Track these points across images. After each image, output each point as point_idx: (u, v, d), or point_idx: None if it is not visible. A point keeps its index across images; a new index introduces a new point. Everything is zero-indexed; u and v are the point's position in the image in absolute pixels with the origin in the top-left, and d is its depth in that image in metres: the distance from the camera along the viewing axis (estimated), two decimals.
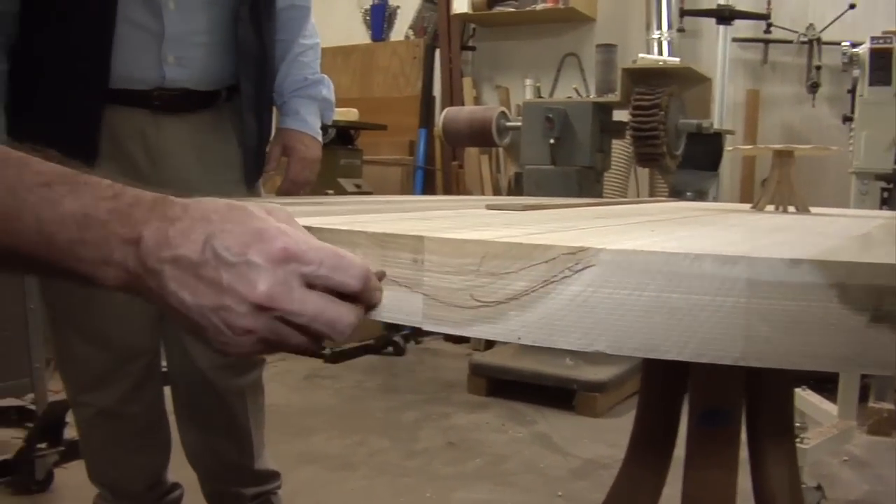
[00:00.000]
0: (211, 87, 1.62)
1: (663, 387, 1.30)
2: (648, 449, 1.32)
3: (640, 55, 3.46)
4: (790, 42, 3.68)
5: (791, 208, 1.45)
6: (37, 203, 0.56)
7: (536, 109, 3.30)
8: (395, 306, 0.64)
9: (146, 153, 1.56)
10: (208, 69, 1.59)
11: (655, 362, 1.27)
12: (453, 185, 4.35)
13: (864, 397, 2.81)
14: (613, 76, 3.36)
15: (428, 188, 4.37)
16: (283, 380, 3.48)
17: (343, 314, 0.58)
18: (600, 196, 3.39)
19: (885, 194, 2.79)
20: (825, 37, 3.59)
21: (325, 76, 1.82)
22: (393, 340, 4.03)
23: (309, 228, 0.68)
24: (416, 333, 4.30)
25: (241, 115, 1.64)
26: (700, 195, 3.39)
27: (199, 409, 1.77)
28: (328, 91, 1.82)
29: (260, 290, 0.55)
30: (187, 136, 1.58)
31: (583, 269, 0.57)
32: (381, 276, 0.62)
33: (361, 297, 0.60)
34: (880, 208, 2.73)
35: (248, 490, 1.86)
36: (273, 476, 1.92)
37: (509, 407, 3.20)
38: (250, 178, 1.68)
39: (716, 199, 3.49)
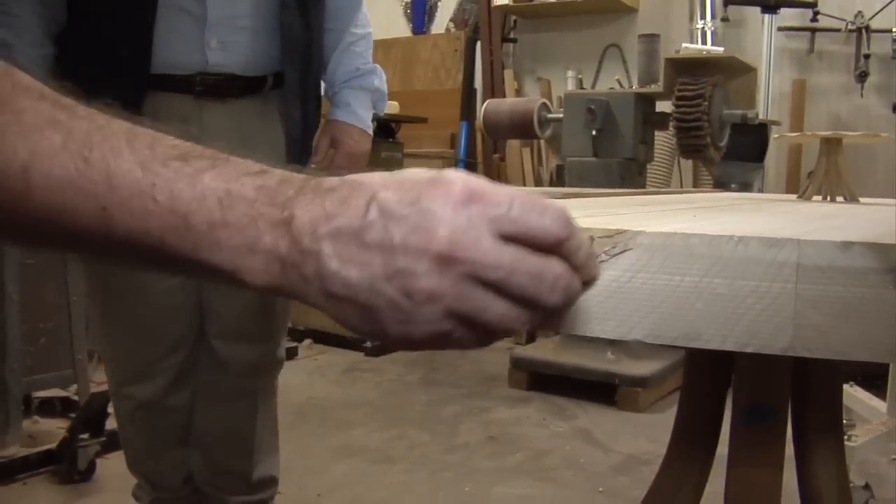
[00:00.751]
0: (256, 72, 1.59)
1: (707, 381, 1.26)
2: (691, 445, 1.28)
3: (684, 45, 3.39)
4: (838, 30, 3.58)
5: (839, 198, 1.41)
6: (172, 178, 0.47)
7: (578, 101, 3.25)
8: None
9: (188, 139, 1.54)
10: (253, 55, 1.57)
11: (699, 355, 1.24)
12: (495, 178, 4.31)
13: None
14: (656, 67, 3.30)
15: None
16: (323, 373, 3.49)
17: (551, 263, 0.46)
18: (643, 188, 3.34)
19: None
20: (874, 24, 3.48)
21: (378, 66, 1.78)
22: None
23: None
24: None
25: (286, 104, 1.61)
26: (745, 187, 3.32)
27: (207, 409, 1.71)
28: (380, 81, 1.78)
29: (441, 237, 0.44)
30: (231, 123, 1.55)
31: (620, 252, 0.55)
32: (591, 239, 0.52)
33: (567, 251, 0.47)
34: None
35: (238, 498, 1.76)
36: (268, 484, 1.81)
37: (550, 401, 3.17)
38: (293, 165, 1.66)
39: (761, 191, 3.41)
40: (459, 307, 0.45)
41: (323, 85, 1.77)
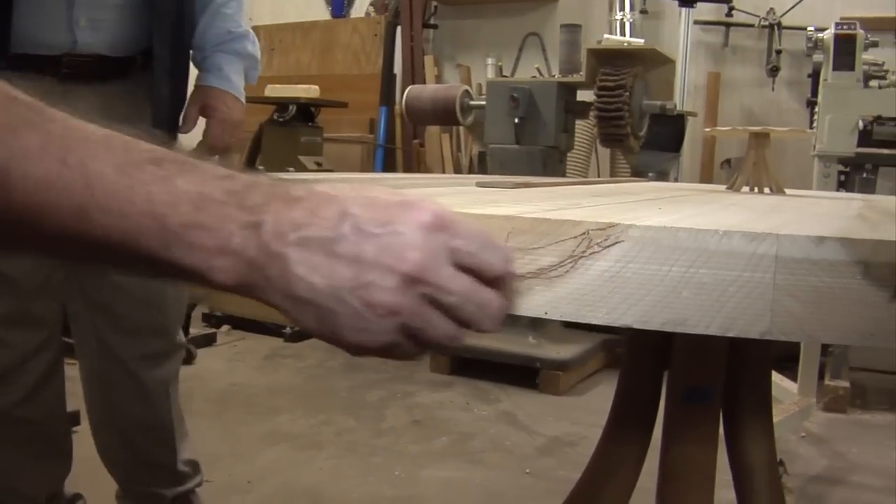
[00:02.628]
0: (124, 52, 1.49)
1: (646, 362, 1.31)
2: (630, 424, 1.33)
3: (606, 36, 3.47)
4: (751, 26, 3.72)
5: (766, 189, 1.48)
6: (147, 181, 0.49)
7: (501, 88, 3.30)
8: None
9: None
10: (122, 33, 1.47)
11: (638, 339, 1.29)
12: (414, 164, 4.33)
13: (819, 376, 2.88)
14: (577, 56, 3.37)
15: (388, 166, 4.35)
16: (244, 360, 3.45)
17: (494, 298, 0.51)
18: (564, 176, 3.41)
19: (842, 177, 2.85)
20: (785, 21, 3.64)
21: (251, 31, 1.68)
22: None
23: None
24: None
25: (154, 83, 1.52)
26: (662, 176, 3.43)
27: (118, 405, 1.67)
28: (254, 47, 1.68)
29: (412, 259, 0.48)
30: (98, 109, 1.45)
31: (612, 244, 0.57)
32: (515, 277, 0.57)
33: (503, 286, 0.53)
34: (837, 190, 2.79)
35: (169, 491, 1.74)
36: (194, 471, 1.80)
37: (473, 385, 3.22)
38: None
39: (676, 180, 3.53)
40: (412, 323, 0.49)
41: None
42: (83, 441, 1.77)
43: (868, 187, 2.80)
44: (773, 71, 3.59)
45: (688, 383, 1.20)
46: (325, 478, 2.28)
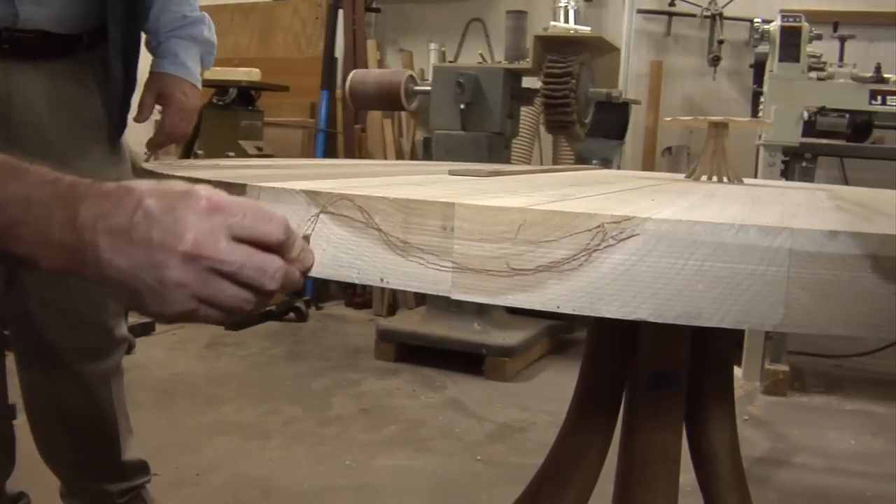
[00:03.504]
0: (70, 30, 1.42)
1: (611, 350, 1.31)
2: (595, 411, 1.33)
3: (552, 23, 3.47)
4: (693, 16, 3.77)
5: (724, 178, 1.49)
6: None
7: (447, 74, 3.28)
8: (420, 275, 0.62)
9: None
10: (68, 9, 1.39)
11: (603, 325, 1.29)
12: (355, 149, 4.28)
13: None
14: (523, 43, 3.37)
15: (329, 152, 4.29)
16: (184, 348, 3.37)
17: (272, 259, 0.60)
18: (509, 162, 3.41)
19: (783, 166, 2.92)
20: (727, 12, 3.69)
21: (206, 14, 1.62)
22: (295, 306, 3.96)
23: (316, 193, 0.65)
24: (318, 299, 4.24)
25: (105, 64, 1.43)
26: (605, 163, 3.45)
27: (59, 400, 1.60)
28: (210, 31, 1.63)
29: (187, 239, 0.57)
30: (42, 87, 1.39)
31: (628, 237, 0.57)
32: (307, 237, 0.65)
33: (286, 249, 0.62)
34: (779, 178, 2.85)
35: (115, 486, 1.68)
36: (142, 468, 1.74)
37: (419, 372, 3.21)
38: (114, 134, 1.50)
39: (619, 168, 3.56)
40: (202, 292, 0.59)
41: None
42: (24, 435, 1.70)
43: (807, 176, 2.87)
44: (715, 61, 3.65)
45: (655, 370, 1.21)
46: (275, 468, 2.24)
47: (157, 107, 1.60)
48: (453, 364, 3.23)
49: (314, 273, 0.67)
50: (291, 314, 3.96)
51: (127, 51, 1.46)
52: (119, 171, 1.52)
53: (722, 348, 1.32)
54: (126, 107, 1.51)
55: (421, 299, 4.02)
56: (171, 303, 0.59)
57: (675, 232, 0.56)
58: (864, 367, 3.49)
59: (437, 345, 3.27)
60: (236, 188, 0.74)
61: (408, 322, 3.46)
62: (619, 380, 1.29)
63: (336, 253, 0.65)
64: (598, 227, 0.57)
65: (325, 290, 4.33)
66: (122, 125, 1.52)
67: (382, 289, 4.21)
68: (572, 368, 3.37)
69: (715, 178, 1.48)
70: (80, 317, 1.55)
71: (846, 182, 3.33)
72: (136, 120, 1.56)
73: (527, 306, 0.59)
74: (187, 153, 3.67)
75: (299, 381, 3.04)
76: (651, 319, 0.57)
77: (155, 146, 1.63)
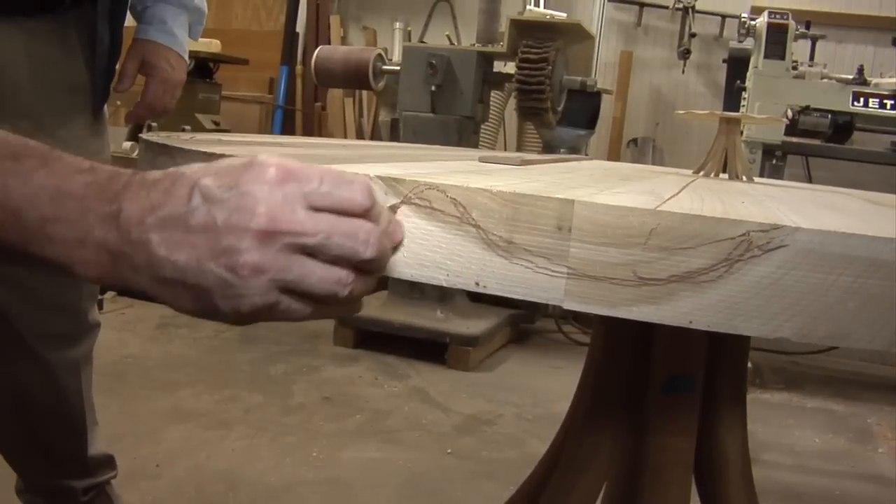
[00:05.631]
0: None
1: (624, 350, 1.25)
2: (604, 413, 1.28)
3: (528, 8, 3.41)
4: (665, 7, 3.74)
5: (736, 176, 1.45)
6: (3, 176, 0.50)
7: (418, 55, 3.19)
8: (526, 280, 0.54)
9: None
10: None
11: (613, 324, 1.24)
12: (315, 128, 4.16)
13: None
14: (496, 26, 3.30)
15: (287, 129, 4.16)
16: (134, 329, 3.23)
17: (361, 223, 0.51)
18: (477, 147, 3.35)
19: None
20: (698, 6, 3.67)
21: None
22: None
23: (396, 180, 0.57)
24: None
25: (90, 26, 1.33)
26: (573, 152, 3.42)
27: (22, 389, 1.48)
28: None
29: (260, 213, 0.48)
30: (21, 47, 1.26)
31: (775, 248, 0.50)
32: (395, 208, 0.56)
33: (373, 217, 0.52)
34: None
35: (80, 483, 1.57)
36: (108, 463, 1.64)
37: (379, 360, 3.13)
38: (97, 101, 1.39)
39: (587, 156, 3.53)
40: (283, 276, 0.49)
41: None
42: None
43: (777, 174, 2.88)
44: (685, 53, 3.63)
45: (670, 373, 1.16)
46: (238, 460, 2.15)
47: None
48: (414, 352, 3.16)
49: (394, 273, 0.59)
50: None
51: (114, 13, 1.34)
52: (100, 141, 1.41)
53: (738, 349, 1.28)
54: (111, 73, 1.40)
55: (379, 284, 3.94)
56: (248, 295, 0.49)
57: (828, 244, 0.50)
58: (820, 365, 3.54)
59: (399, 332, 3.19)
60: None
61: (368, 307, 3.37)
62: (631, 381, 1.24)
63: (420, 251, 0.58)
64: (744, 235, 0.50)
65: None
66: (106, 93, 1.40)
67: None
68: (534, 359, 3.36)
69: (728, 176, 1.44)
70: (49, 299, 1.42)
71: (810, 181, 3.35)
72: (117, 89, 1.44)
73: (654, 320, 0.52)
74: (140, 125, 3.51)
75: (257, 367, 2.93)
76: (794, 339, 0.51)
77: (135, 119, 1.52)
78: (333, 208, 0.50)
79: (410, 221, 0.58)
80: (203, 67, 3.68)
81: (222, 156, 0.71)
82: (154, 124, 3.54)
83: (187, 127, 3.49)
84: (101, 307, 3.34)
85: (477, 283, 0.56)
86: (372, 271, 0.54)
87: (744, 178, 1.41)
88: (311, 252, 0.50)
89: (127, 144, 3.33)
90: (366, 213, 0.51)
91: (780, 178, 2.86)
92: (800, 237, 0.50)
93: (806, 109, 2.66)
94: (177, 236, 0.49)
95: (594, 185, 0.77)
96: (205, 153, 0.70)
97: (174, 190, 0.50)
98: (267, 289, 0.49)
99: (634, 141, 3.87)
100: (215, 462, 2.12)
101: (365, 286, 0.54)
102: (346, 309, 0.55)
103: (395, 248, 0.56)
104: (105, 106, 1.42)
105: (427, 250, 0.57)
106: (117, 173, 0.52)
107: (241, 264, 0.48)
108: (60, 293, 1.44)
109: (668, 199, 0.63)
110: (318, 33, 4.17)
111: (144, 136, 0.95)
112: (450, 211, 0.56)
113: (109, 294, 3.56)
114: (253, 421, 2.41)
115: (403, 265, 0.59)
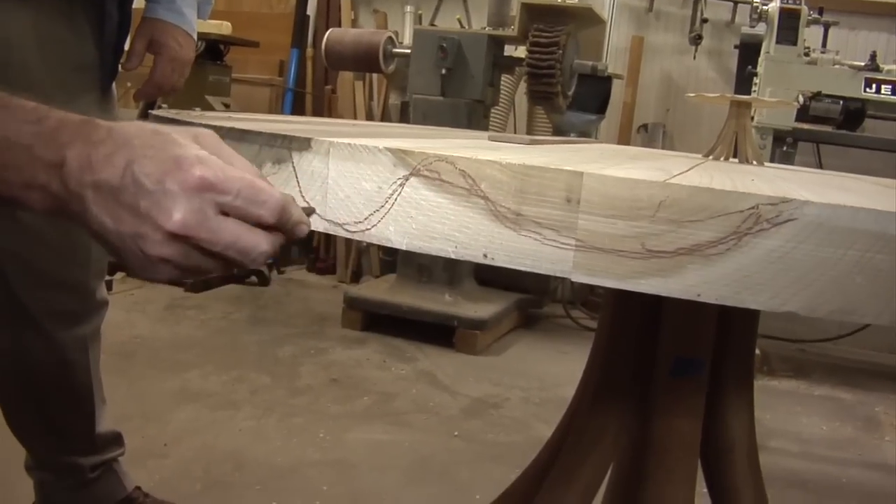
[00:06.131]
0: None
1: (632, 331, 1.25)
2: (612, 395, 1.28)
3: None
4: None
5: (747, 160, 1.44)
6: None
7: (429, 38, 3.18)
8: (534, 252, 0.54)
9: None
10: None
11: (622, 305, 1.24)
12: (325, 110, 4.16)
13: None
14: (507, 10, 3.29)
15: (297, 111, 4.16)
16: (143, 310, 3.24)
17: (257, 242, 0.58)
18: (487, 130, 3.34)
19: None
20: None
21: None
22: (257, 270, 3.84)
23: (405, 152, 0.57)
24: (280, 263, 4.13)
25: (99, 3, 1.33)
26: (583, 136, 3.40)
27: (31, 367, 1.49)
28: None
29: (175, 219, 0.55)
30: (30, 25, 1.26)
31: (784, 221, 0.50)
32: (309, 211, 0.63)
33: (279, 226, 0.60)
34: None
35: (87, 460, 1.57)
36: (115, 440, 1.64)
37: (387, 343, 3.14)
38: (106, 80, 1.39)
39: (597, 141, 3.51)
40: (185, 264, 0.58)
41: None
42: None
43: (788, 160, 2.86)
44: (697, 39, 3.61)
45: (678, 355, 1.16)
46: (245, 440, 2.16)
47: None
48: (422, 335, 3.17)
49: (400, 243, 0.59)
50: (253, 277, 3.84)
51: None
52: (109, 119, 1.40)
53: (746, 332, 1.28)
54: (119, 51, 1.39)
55: (387, 268, 3.94)
56: (154, 272, 0.58)
57: (836, 218, 0.50)
58: (828, 353, 3.53)
59: (408, 315, 3.20)
60: (300, 142, 0.66)
61: (376, 290, 3.38)
62: (638, 362, 1.24)
63: (428, 222, 0.58)
64: (753, 208, 0.50)
65: (286, 254, 4.22)
66: (115, 71, 1.40)
67: (348, 254, 4.11)
68: (542, 344, 3.36)
69: (738, 160, 1.43)
70: (57, 277, 1.43)
71: (821, 168, 3.33)
72: (125, 67, 1.44)
73: (662, 293, 0.52)
74: (151, 104, 3.51)
75: (265, 348, 2.94)
76: (802, 313, 0.51)
77: (142, 98, 1.52)
78: (244, 219, 0.57)
79: (419, 193, 0.58)
80: (214, 49, 3.68)
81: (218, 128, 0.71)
82: (164, 105, 3.56)
83: (197, 108, 3.49)
84: (109, 288, 3.36)
85: (485, 255, 0.56)
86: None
87: (754, 162, 1.40)
88: (208, 254, 0.58)
89: None
90: (273, 226, 0.59)
91: (791, 164, 2.85)
92: (809, 211, 0.50)
93: (817, 95, 2.64)
94: (108, 202, 0.56)
95: (603, 161, 0.77)
96: (213, 126, 0.70)
97: (114, 159, 0.56)
98: (170, 272, 0.58)
99: (645, 126, 3.85)
100: (223, 442, 2.13)
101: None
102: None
103: (293, 240, 0.62)
104: (114, 84, 1.42)
105: (435, 222, 0.58)
106: (64, 123, 0.58)
107: (150, 253, 0.56)
108: (67, 270, 1.44)
109: (677, 175, 0.62)
110: (329, 16, 4.16)
111: (155, 112, 0.95)
112: (458, 183, 0.56)
113: (119, 275, 3.57)
114: (260, 402, 2.42)
115: (412, 237, 0.59)
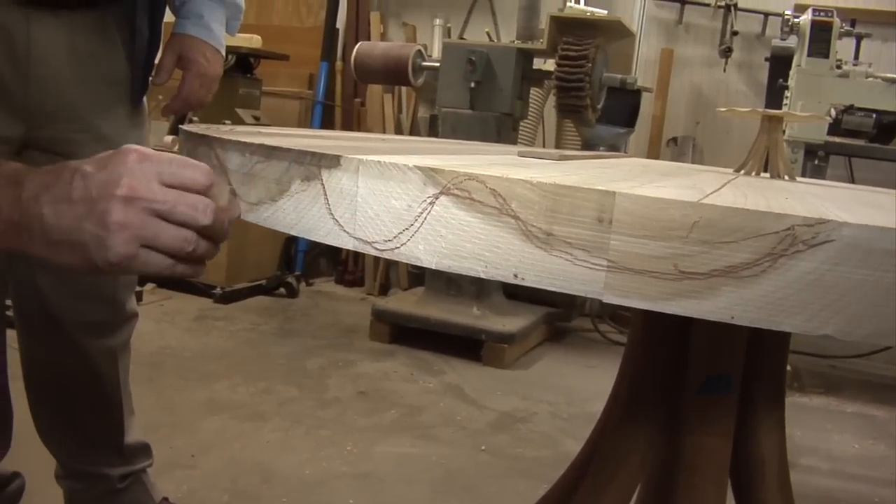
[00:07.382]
0: None
1: (661, 348, 1.24)
2: (642, 412, 1.27)
3: (569, 4, 3.39)
4: (707, 5, 3.70)
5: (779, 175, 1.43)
6: None
7: (458, 51, 3.19)
8: (565, 272, 0.54)
9: (11, 59, 1.24)
10: None
11: (651, 322, 1.22)
12: (354, 123, 4.18)
13: None
14: (536, 23, 3.29)
15: (326, 124, 4.18)
16: (172, 321, 3.27)
17: (200, 198, 0.66)
18: (515, 143, 3.33)
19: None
20: (741, 3, 3.62)
21: None
22: (286, 281, 3.86)
23: (435, 171, 0.57)
24: (307, 275, 4.14)
25: (130, 19, 1.34)
26: (612, 150, 3.39)
27: (62, 378, 1.51)
28: None
29: (122, 184, 0.64)
30: (63, 40, 1.28)
31: (821, 243, 0.49)
32: (233, 192, 0.70)
33: (213, 195, 0.68)
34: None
35: (116, 470, 1.59)
36: (144, 451, 1.66)
37: (415, 356, 3.13)
38: (136, 94, 1.41)
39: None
40: (142, 232, 0.64)
41: None
42: (19, 413, 1.60)
43: (819, 174, 2.83)
44: (727, 52, 3.58)
45: (708, 373, 1.15)
46: (273, 452, 2.16)
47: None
48: (450, 348, 3.16)
49: (430, 262, 0.59)
50: (282, 289, 3.86)
51: (153, 6, 1.36)
52: (139, 133, 1.42)
53: (777, 349, 1.26)
54: (150, 66, 1.41)
55: (415, 281, 3.95)
56: (115, 246, 0.64)
57: (874, 239, 0.49)
58: (860, 370, 3.48)
59: (435, 328, 3.19)
60: (329, 160, 0.66)
61: (405, 303, 3.38)
62: (668, 379, 1.23)
63: (458, 241, 0.58)
64: (788, 229, 0.49)
65: (314, 266, 4.24)
66: (146, 86, 1.42)
67: (376, 267, 4.12)
68: (570, 357, 3.35)
69: (770, 175, 1.41)
70: (87, 289, 1.45)
71: (853, 181, 3.29)
72: (155, 82, 1.46)
73: (695, 315, 0.51)
74: (181, 118, 3.55)
75: (293, 360, 2.96)
76: (838, 336, 0.50)
77: (170, 112, 1.53)
78: (180, 185, 0.66)
79: (449, 212, 0.58)
80: (244, 63, 3.71)
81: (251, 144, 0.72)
82: (195, 119, 3.59)
83: (228, 121, 3.52)
84: (140, 299, 3.39)
85: (515, 276, 0.56)
86: (212, 238, 0.69)
87: (785, 177, 1.39)
88: (163, 216, 0.65)
89: (168, 138, 3.36)
90: (205, 191, 0.67)
91: (822, 178, 2.82)
92: (846, 232, 0.49)
93: (850, 109, 2.61)
94: (63, 207, 0.65)
95: (634, 179, 0.76)
96: (242, 143, 0.71)
97: (62, 174, 0.66)
98: (129, 241, 0.64)
99: (674, 140, 3.83)
100: (250, 454, 2.14)
101: (207, 250, 0.69)
102: (194, 270, 0.70)
103: (232, 221, 0.69)
104: (145, 99, 1.44)
105: (465, 241, 0.57)
106: (19, 166, 0.69)
107: (109, 222, 0.63)
108: (96, 283, 1.46)
109: (710, 194, 0.62)
110: (358, 29, 4.18)
111: (184, 127, 0.96)
112: (489, 202, 0.56)
113: (149, 286, 3.61)
114: (288, 414, 2.43)
115: (441, 256, 0.58)
